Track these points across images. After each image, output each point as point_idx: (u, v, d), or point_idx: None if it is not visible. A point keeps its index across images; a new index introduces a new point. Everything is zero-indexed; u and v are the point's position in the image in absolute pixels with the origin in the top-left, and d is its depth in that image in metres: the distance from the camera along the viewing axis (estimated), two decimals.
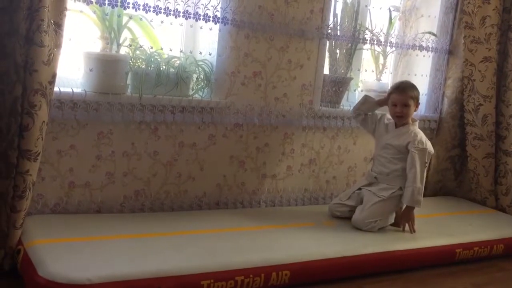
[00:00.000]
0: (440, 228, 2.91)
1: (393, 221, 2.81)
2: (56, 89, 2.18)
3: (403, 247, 2.57)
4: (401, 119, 2.78)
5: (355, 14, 3.14)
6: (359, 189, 2.87)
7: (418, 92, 2.82)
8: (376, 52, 3.41)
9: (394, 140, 2.79)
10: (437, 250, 2.64)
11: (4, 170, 2.02)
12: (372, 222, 2.67)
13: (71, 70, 2.47)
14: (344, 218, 2.81)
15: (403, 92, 2.75)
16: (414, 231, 2.75)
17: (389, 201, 2.74)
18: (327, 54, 3.13)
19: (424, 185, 2.75)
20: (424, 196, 3.60)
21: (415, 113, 3.18)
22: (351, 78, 3.25)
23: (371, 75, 3.44)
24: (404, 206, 2.76)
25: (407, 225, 2.77)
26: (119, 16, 2.48)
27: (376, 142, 2.94)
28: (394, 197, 2.75)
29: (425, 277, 2.54)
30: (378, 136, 2.90)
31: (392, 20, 3.38)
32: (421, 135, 2.78)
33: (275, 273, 2.16)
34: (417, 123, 2.84)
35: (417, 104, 2.80)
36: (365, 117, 2.92)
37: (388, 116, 2.90)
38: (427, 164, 2.77)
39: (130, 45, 2.57)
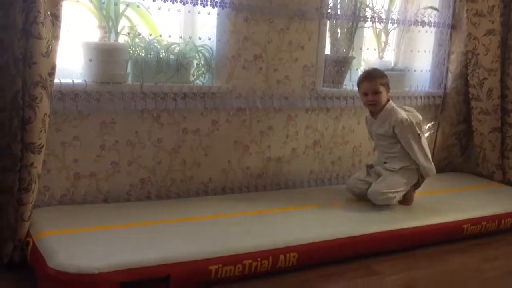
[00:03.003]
0: (448, 205, 2.90)
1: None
2: (56, 80, 2.17)
3: (410, 225, 2.56)
4: (374, 106, 2.76)
5: None
6: (372, 166, 2.87)
7: (387, 78, 2.77)
8: (377, 30, 3.38)
9: (380, 129, 2.78)
10: (444, 227, 2.64)
11: (9, 163, 2.03)
12: (388, 193, 2.67)
13: (70, 61, 2.46)
14: (360, 197, 2.81)
15: (372, 80, 2.73)
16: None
17: (404, 173, 2.74)
18: (328, 34, 3.10)
19: (429, 152, 2.79)
20: None
21: (417, 91, 3.17)
22: (353, 57, 3.22)
23: (374, 54, 3.41)
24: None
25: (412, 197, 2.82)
26: (115, 4, 2.46)
27: (372, 136, 2.95)
28: (410, 170, 2.75)
29: (434, 254, 2.54)
30: (371, 131, 2.91)
31: None
32: (400, 114, 2.72)
33: (282, 255, 2.17)
34: (390, 101, 2.77)
35: (388, 89, 2.76)
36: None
37: (366, 112, 2.90)
38: (421, 135, 2.75)
39: (129, 33, 2.56)
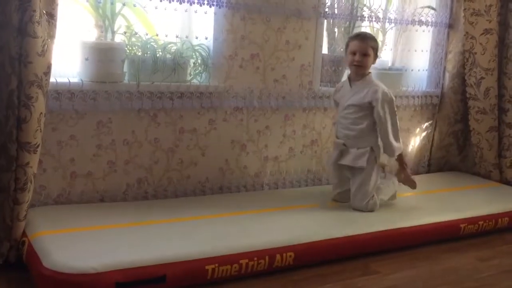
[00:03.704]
0: (445, 204, 2.90)
1: (394, 190, 2.80)
2: (52, 79, 2.16)
3: (408, 224, 2.56)
4: (358, 69, 2.64)
5: None
6: (340, 168, 2.77)
7: (378, 44, 2.71)
8: (375, 29, 3.37)
9: (354, 98, 2.67)
10: (442, 226, 2.64)
11: (5, 163, 2.02)
12: (368, 202, 2.65)
13: (67, 60, 2.45)
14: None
15: (364, 40, 2.63)
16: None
17: (369, 169, 2.65)
18: (325, 33, 3.10)
19: (399, 130, 2.68)
20: (428, 172, 3.65)
21: (415, 90, 3.14)
22: None
23: None
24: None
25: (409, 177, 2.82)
26: (112, 3, 2.45)
27: (337, 107, 2.84)
28: (371, 163, 2.66)
29: (431, 253, 2.54)
30: (339, 100, 2.80)
31: None
32: (381, 86, 2.64)
33: (279, 255, 2.16)
34: (371, 74, 2.70)
35: (375, 57, 2.67)
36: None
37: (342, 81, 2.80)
38: (396, 112, 2.67)
39: (125, 33, 2.55)
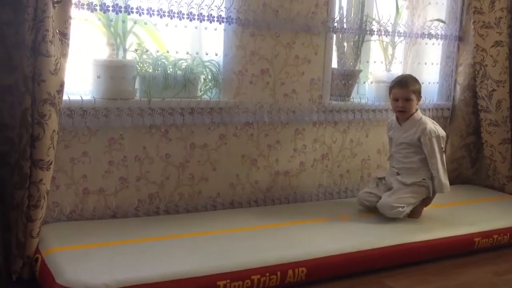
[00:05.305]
0: (458, 217, 2.87)
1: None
2: (65, 97, 2.19)
3: (421, 239, 2.53)
4: (403, 113, 2.77)
5: (361, 5, 3.11)
6: (383, 179, 2.87)
7: (420, 85, 2.80)
8: (384, 43, 3.38)
9: (405, 137, 2.79)
10: (455, 240, 2.60)
11: (18, 180, 2.04)
12: (398, 207, 2.66)
13: (79, 78, 2.49)
14: (368, 210, 2.82)
15: (405, 87, 2.73)
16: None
17: (418, 189, 2.74)
18: (334, 47, 3.11)
19: (446, 168, 2.78)
20: None
21: (426, 103, 3.17)
22: (360, 71, 3.22)
23: (381, 66, 3.40)
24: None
25: (420, 211, 2.82)
26: (123, 21, 2.49)
27: (390, 143, 2.96)
28: (421, 186, 2.75)
29: (445, 268, 2.51)
30: (392, 137, 2.91)
31: (399, 9, 3.34)
32: (429, 123, 2.76)
33: (291, 270, 2.15)
34: (418, 111, 2.81)
35: (419, 97, 2.78)
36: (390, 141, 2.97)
37: (392, 117, 2.93)
38: (444, 149, 2.78)
39: (137, 50, 2.58)
